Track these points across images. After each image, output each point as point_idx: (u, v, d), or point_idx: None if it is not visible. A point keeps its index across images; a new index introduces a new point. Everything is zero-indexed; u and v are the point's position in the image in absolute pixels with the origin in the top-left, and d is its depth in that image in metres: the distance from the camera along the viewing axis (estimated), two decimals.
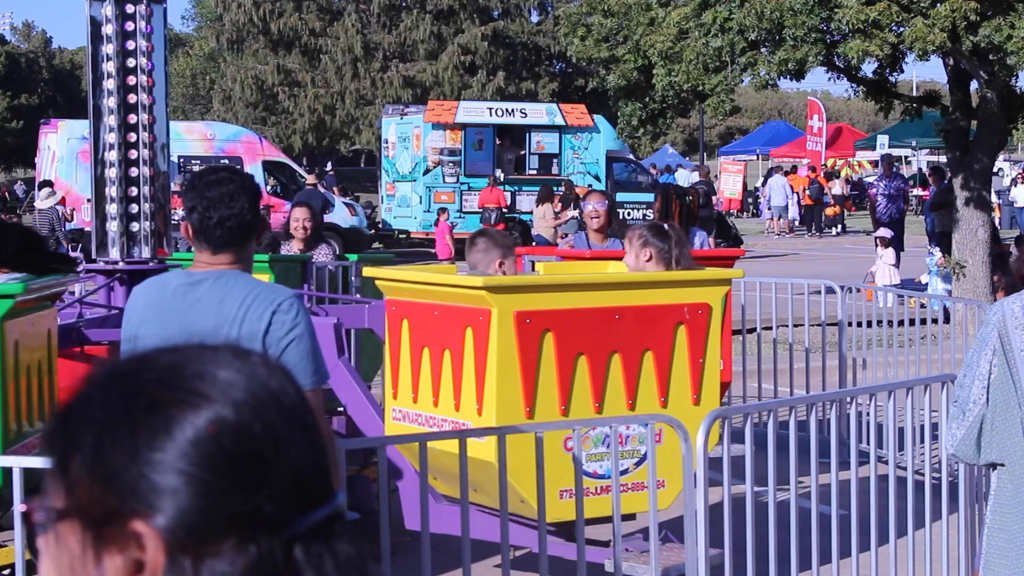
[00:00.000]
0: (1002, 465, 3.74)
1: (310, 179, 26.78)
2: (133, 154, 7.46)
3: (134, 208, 7.48)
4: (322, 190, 26.53)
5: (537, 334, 5.72)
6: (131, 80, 7.42)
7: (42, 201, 22.55)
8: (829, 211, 36.57)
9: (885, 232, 19.30)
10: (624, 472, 5.77)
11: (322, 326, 6.80)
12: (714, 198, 29.73)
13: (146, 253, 7.52)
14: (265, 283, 3.76)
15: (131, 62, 7.42)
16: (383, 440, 5.42)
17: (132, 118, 7.45)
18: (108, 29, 7.41)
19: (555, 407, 5.75)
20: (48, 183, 23.41)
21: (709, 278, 6.42)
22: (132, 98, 7.44)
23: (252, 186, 3.83)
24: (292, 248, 9.44)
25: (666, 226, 6.64)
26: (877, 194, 21.35)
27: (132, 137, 7.45)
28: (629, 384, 5.93)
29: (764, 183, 39.12)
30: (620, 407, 5.89)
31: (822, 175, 37.64)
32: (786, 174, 38.48)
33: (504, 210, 27.73)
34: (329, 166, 54.59)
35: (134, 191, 7.48)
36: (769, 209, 37.48)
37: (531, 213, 26.41)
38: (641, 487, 5.81)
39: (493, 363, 5.64)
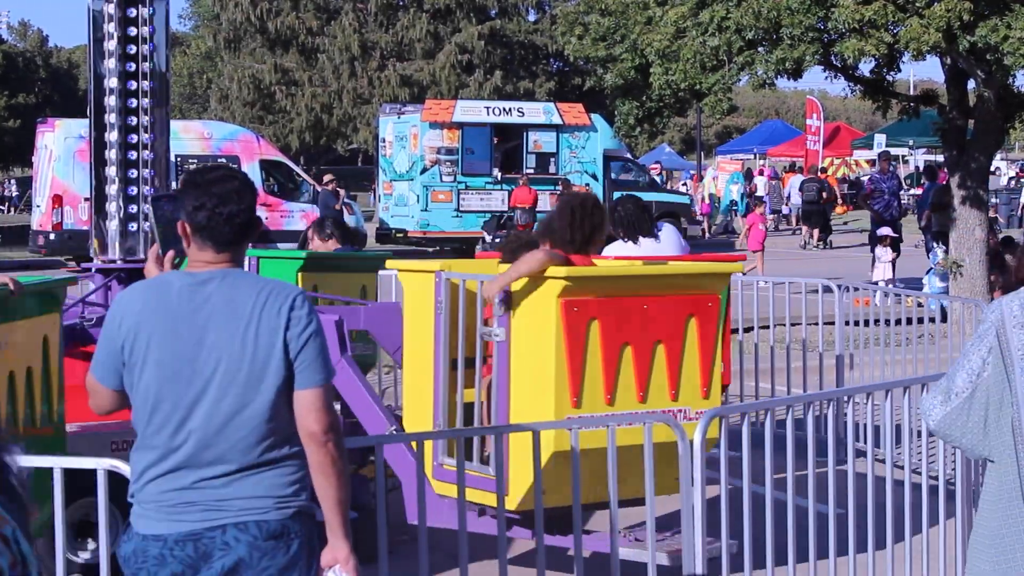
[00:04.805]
0: (992, 462, 3.76)
1: (326, 178, 27.49)
2: (132, 153, 7.46)
3: (133, 207, 7.49)
4: (333, 191, 26.81)
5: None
6: (131, 79, 7.42)
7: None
8: (839, 209, 36.72)
9: (890, 231, 19.25)
10: None
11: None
12: (824, 194, 31.75)
13: (144, 252, 7.52)
14: (270, 279, 3.75)
15: (132, 61, 7.42)
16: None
17: (132, 117, 7.45)
18: (109, 27, 7.41)
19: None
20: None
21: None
22: (132, 97, 7.43)
23: (252, 184, 3.84)
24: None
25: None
26: (875, 189, 21.16)
27: (131, 136, 7.45)
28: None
29: (750, 182, 38.99)
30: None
31: (816, 172, 37.65)
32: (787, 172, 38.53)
33: (535, 209, 27.37)
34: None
35: (133, 190, 7.48)
36: (787, 206, 37.46)
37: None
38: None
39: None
